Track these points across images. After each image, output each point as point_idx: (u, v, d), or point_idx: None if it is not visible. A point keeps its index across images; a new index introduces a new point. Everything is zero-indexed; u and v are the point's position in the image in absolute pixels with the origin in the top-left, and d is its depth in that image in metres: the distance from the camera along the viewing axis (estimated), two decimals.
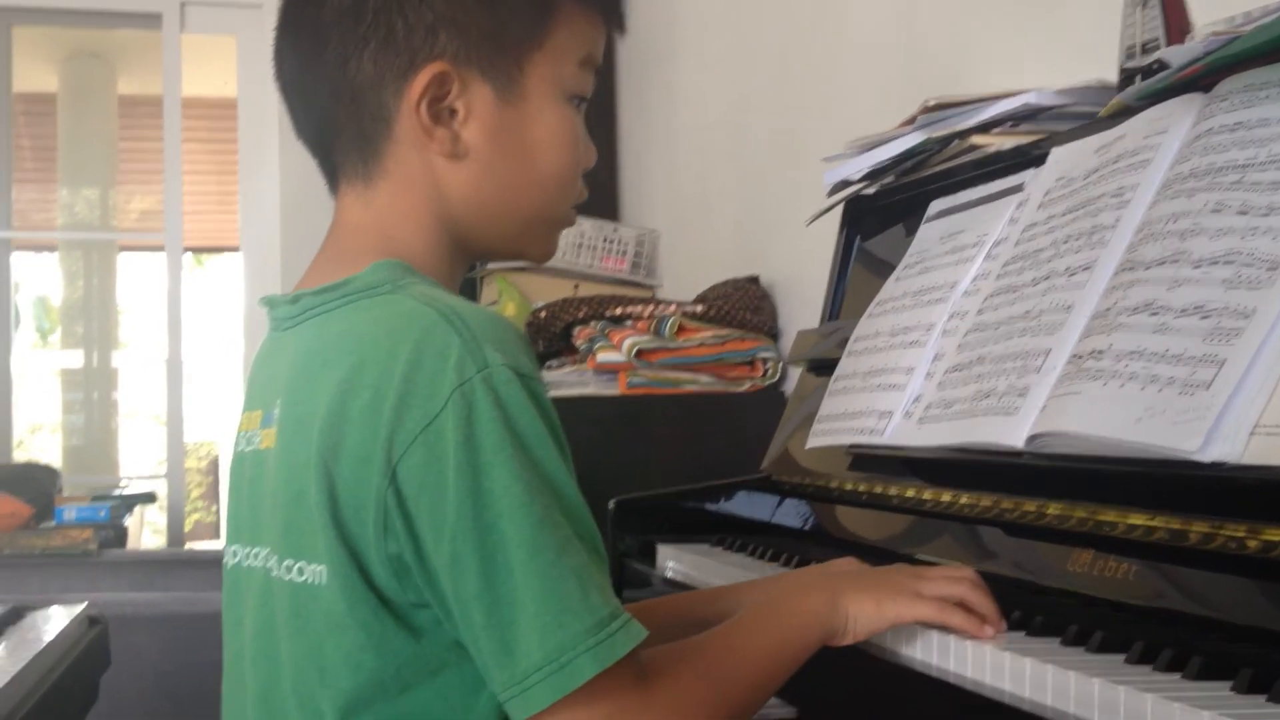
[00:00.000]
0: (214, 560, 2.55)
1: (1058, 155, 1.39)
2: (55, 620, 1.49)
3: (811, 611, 1.02)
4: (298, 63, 1.05)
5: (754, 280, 2.69)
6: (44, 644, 1.35)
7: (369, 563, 0.92)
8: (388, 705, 0.93)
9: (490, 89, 1.01)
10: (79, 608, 1.56)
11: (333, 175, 1.06)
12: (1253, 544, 0.92)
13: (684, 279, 3.13)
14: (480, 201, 1.03)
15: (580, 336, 2.60)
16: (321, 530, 0.93)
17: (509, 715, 0.89)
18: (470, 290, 3.48)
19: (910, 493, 1.38)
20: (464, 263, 1.08)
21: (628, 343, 2.49)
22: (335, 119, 1.03)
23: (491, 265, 3.16)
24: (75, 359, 5.19)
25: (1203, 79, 1.19)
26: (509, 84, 1.02)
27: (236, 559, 1.05)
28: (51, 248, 5.41)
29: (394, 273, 0.99)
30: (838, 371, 1.59)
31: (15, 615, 1.52)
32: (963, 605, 1.03)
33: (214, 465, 8.37)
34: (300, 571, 0.95)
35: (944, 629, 1.02)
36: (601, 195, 3.53)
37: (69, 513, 2.86)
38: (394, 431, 0.89)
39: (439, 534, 0.88)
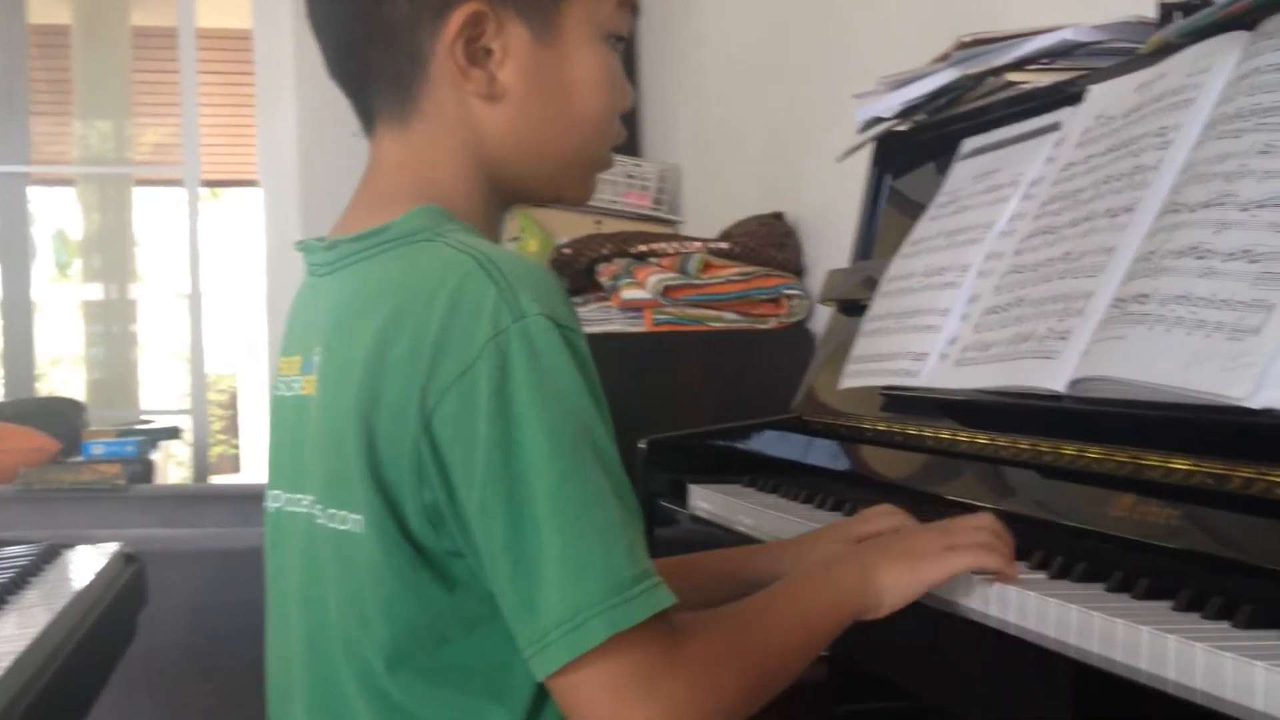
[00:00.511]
0: (243, 495, 2.56)
1: (1096, 93, 1.37)
2: (91, 559, 1.50)
3: (843, 589, 1.01)
4: (330, 1, 1.03)
5: (778, 216, 2.68)
6: (83, 584, 1.36)
7: (405, 512, 0.92)
8: (426, 658, 0.93)
9: (526, 29, 1.00)
10: (114, 546, 1.57)
11: (368, 117, 1.05)
12: None
13: (707, 215, 3.12)
14: (517, 143, 1.02)
15: (605, 273, 2.59)
16: (359, 480, 0.92)
17: (532, 673, 0.88)
18: None
19: (946, 434, 1.38)
20: (502, 205, 1.06)
21: (653, 280, 2.48)
22: (370, 60, 1.01)
23: None
24: (95, 292, 5.19)
25: (1247, 16, 1.17)
26: (545, 24, 1.00)
27: (279, 504, 1.05)
28: (68, 181, 5.39)
29: (432, 219, 0.98)
30: (871, 312, 1.58)
31: (51, 554, 1.53)
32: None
33: (234, 399, 8.40)
34: (343, 520, 0.95)
35: (979, 572, 1.03)
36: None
37: (96, 447, 2.87)
38: (429, 380, 0.89)
39: (470, 483, 0.88)
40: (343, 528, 0.95)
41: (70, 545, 1.59)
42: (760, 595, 0.99)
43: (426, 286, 0.92)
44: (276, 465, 1.08)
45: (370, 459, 0.92)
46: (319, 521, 0.98)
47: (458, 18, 0.98)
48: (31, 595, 1.34)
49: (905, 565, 1.03)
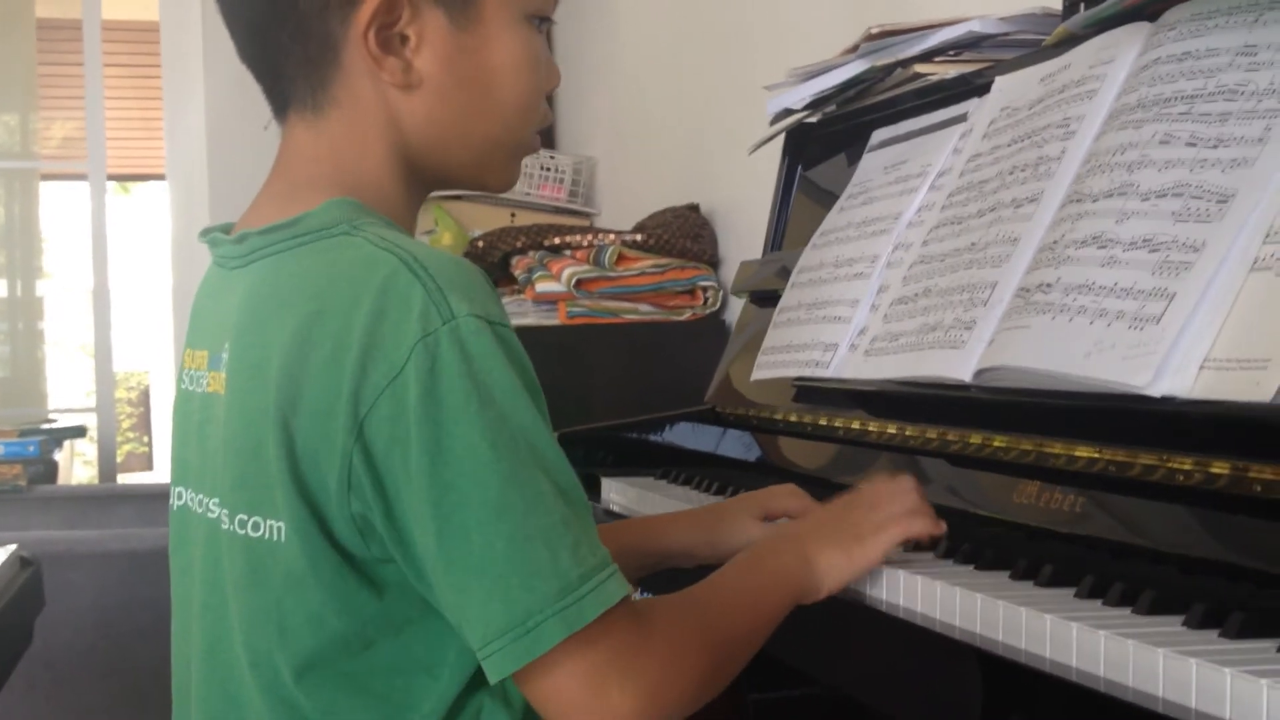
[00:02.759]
0: (149, 495, 2.51)
1: (1001, 84, 1.38)
2: None
3: (786, 575, 1.01)
4: None
5: (694, 208, 2.67)
6: None
7: (330, 519, 0.89)
8: (350, 662, 0.91)
9: (443, 14, 0.96)
10: (10, 548, 1.52)
11: (280, 104, 1.01)
12: (1199, 476, 0.93)
13: (622, 207, 3.11)
14: (437, 132, 0.99)
15: (519, 266, 2.57)
16: (280, 486, 0.89)
17: (486, 675, 0.87)
18: None
19: (855, 424, 1.38)
20: (422, 193, 1.03)
21: (567, 272, 2.47)
22: (279, 46, 0.97)
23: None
24: (0, 289, 5.07)
25: (1149, 7, 1.18)
26: (464, 8, 0.97)
27: (183, 501, 1.02)
28: None
29: (348, 212, 0.94)
30: (782, 303, 1.58)
31: None
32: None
33: (145, 396, 8.24)
34: (255, 527, 0.92)
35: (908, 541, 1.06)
36: None
37: None
38: (359, 386, 0.86)
39: (407, 491, 0.85)
40: (256, 534, 0.92)
41: None
42: (707, 581, 0.99)
43: (349, 287, 0.88)
44: (181, 461, 1.04)
45: (291, 464, 0.89)
46: (225, 527, 0.95)
47: (369, 4, 0.94)
48: None
49: (841, 550, 1.04)
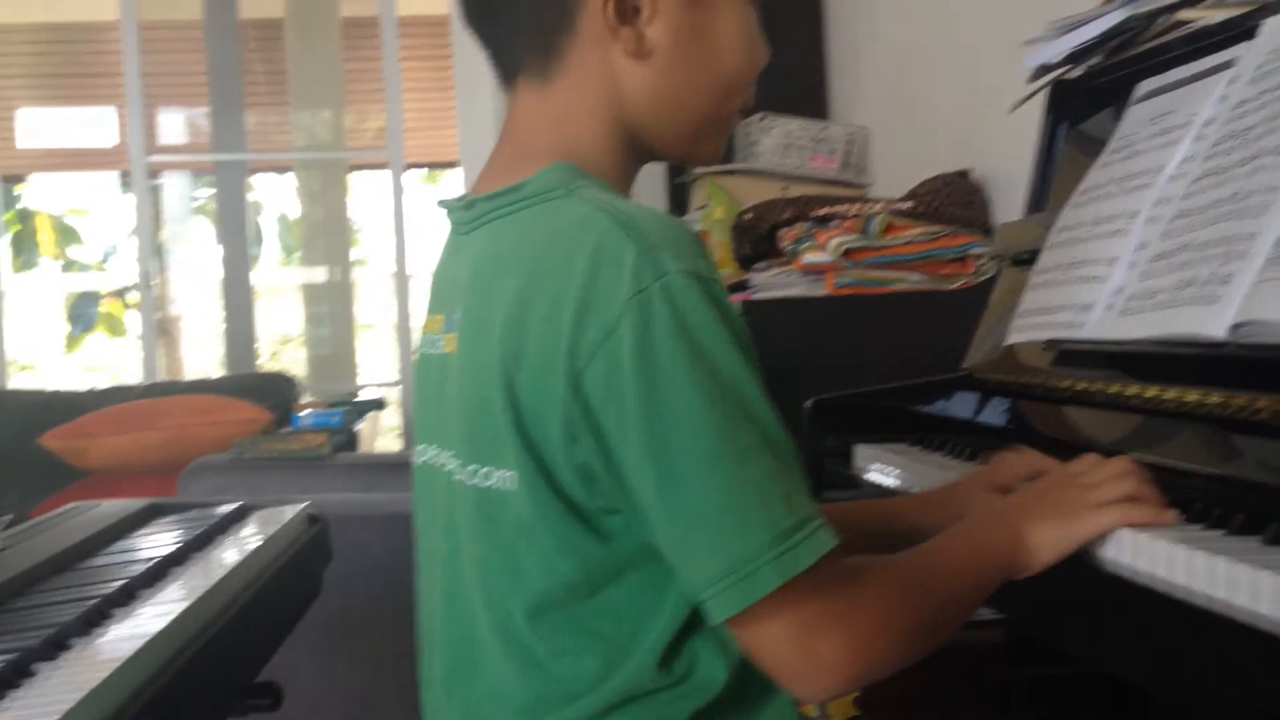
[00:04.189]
0: None
1: (1271, 25, 1.30)
2: (277, 518, 1.58)
3: (995, 548, 1.00)
4: None
5: (964, 174, 2.61)
6: (264, 539, 1.43)
7: (556, 469, 0.93)
8: (579, 605, 0.95)
9: None
10: (300, 506, 1.64)
11: (509, 70, 1.05)
12: None
13: (896, 176, 3.06)
14: (659, 102, 1.02)
15: (786, 238, 2.57)
16: (508, 438, 0.94)
17: (708, 618, 0.89)
18: (680, 194, 3.48)
19: (1114, 388, 1.33)
20: (637, 163, 1.06)
21: (834, 242, 2.45)
22: (518, 12, 1.02)
23: (699, 170, 3.15)
24: (318, 275, 5.42)
25: None
26: None
27: (425, 458, 1.08)
28: (286, 168, 5.63)
29: (566, 176, 0.98)
30: (1039, 264, 1.53)
31: (241, 514, 1.62)
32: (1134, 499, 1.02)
33: None
34: (487, 476, 0.97)
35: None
36: (810, 94, 3.47)
37: (305, 418, 3.00)
38: (575, 342, 0.89)
39: (625, 443, 0.89)
40: (487, 484, 0.97)
41: (262, 507, 1.67)
42: (919, 549, 0.98)
43: (564, 246, 0.92)
44: (423, 420, 1.10)
45: (516, 417, 0.93)
46: (457, 478, 1.00)
47: None
48: (218, 550, 1.42)
49: (1056, 525, 1.02)
